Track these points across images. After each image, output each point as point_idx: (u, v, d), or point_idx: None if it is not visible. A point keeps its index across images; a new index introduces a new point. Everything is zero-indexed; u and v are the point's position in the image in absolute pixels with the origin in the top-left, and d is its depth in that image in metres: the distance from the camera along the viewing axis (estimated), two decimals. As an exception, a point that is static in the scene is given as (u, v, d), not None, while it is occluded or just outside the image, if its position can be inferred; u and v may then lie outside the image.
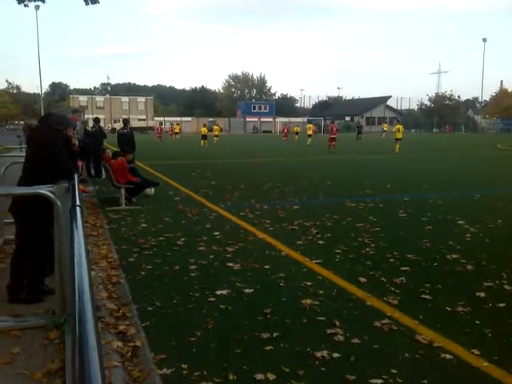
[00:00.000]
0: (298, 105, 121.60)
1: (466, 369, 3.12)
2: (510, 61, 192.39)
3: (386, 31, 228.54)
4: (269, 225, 7.31)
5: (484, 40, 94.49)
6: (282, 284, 4.72)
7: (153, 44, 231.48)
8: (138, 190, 9.38)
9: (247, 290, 4.51)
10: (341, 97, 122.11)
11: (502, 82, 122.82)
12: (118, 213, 8.30)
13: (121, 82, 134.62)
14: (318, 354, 3.28)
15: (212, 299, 4.30)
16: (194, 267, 5.22)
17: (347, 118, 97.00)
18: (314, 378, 3.02)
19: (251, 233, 6.82)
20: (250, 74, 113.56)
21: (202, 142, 34.53)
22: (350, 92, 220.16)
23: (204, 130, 35.91)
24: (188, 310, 4.07)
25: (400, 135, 27.67)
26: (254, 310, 4.06)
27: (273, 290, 4.57)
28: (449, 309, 4.07)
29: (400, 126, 28.73)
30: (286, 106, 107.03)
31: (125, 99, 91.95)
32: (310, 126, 39.35)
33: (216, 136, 41.11)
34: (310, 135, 36.54)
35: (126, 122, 14.82)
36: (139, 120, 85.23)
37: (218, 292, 4.45)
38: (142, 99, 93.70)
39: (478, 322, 3.80)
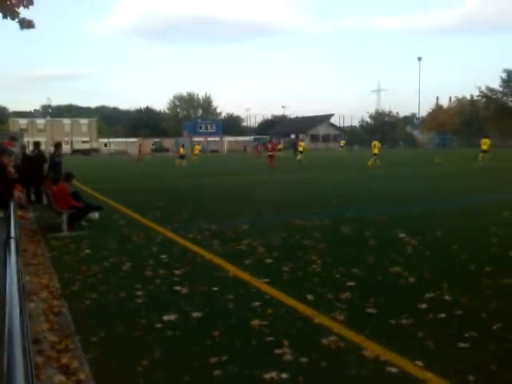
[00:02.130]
0: (244, 124, 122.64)
1: (410, 381, 3.19)
2: (444, 78, 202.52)
3: (326, 51, 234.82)
4: (217, 246, 7.28)
5: (419, 59, 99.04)
6: (230, 306, 4.69)
7: (95, 65, 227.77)
8: (81, 215, 9.13)
9: (195, 314, 4.46)
10: (286, 115, 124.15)
11: (437, 98, 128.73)
12: (59, 240, 8.03)
13: (63, 104, 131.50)
14: (267, 376, 3.27)
15: (159, 325, 4.22)
16: (140, 293, 5.11)
17: (292, 136, 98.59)
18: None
19: (199, 255, 6.77)
20: (196, 94, 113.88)
21: (178, 161, 35.47)
22: (294, 111, 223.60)
23: (182, 150, 37.21)
24: (134, 339, 3.97)
25: (376, 150, 29.75)
26: (202, 334, 4.02)
27: (221, 312, 4.54)
28: (393, 322, 4.17)
29: (376, 142, 30.84)
30: (232, 125, 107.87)
31: (67, 121, 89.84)
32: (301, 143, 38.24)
33: (195, 155, 44.15)
34: (301, 152, 35.16)
35: (57, 145, 14.43)
36: (83, 142, 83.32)
37: (166, 318, 4.37)
38: (84, 121, 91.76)
39: (420, 334, 3.91)
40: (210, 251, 6.93)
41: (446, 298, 4.76)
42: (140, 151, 49.54)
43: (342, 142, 48.00)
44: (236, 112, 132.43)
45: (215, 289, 5.20)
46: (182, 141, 64.83)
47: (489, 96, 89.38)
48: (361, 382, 3.21)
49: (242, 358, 3.58)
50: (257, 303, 4.70)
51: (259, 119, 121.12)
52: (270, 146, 32.23)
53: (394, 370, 3.32)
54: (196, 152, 45.29)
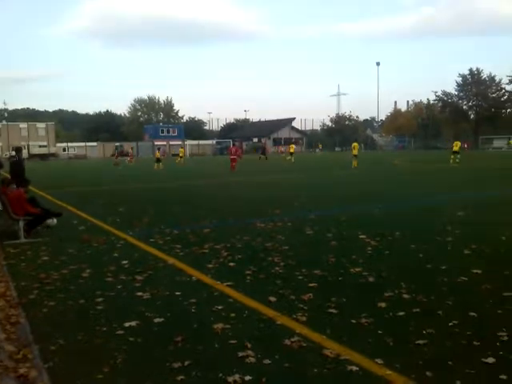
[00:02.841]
0: (206, 127, 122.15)
1: (370, 379, 3.26)
2: (402, 82, 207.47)
3: (287, 56, 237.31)
4: (179, 250, 7.23)
5: (377, 64, 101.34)
6: (193, 310, 4.67)
7: (53, 68, 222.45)
8: (39, 221, 8.90)
9: (157, 320, 4.42)
10: (248, 119, 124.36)
11: (395, 102, 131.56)
12: (16, 247, 7.81)
13: (19, 108, 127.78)
14: (230, 379, 3.27)
15: (120, 332, 4.16)
16: (100, 299, 5.02)
17: (255, 140, 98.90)
18: (226, 404, 3.01)
19: (161, 259, 6.71)
20: (157, 97, 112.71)
21: (156, 165, 35.76)
22: (256, 114, 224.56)
23: (158, 154, 38.07)
24: (94, 347, 3.90)
25: (355, 152, 31.57)
26: (164, 339, 3.98)
27: (184, 316, 4.52)
28: (353, 321, 4.24)
29: (356, 144, 33.00)
30: (194, 129, 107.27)
31: (23, 125, 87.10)
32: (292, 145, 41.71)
33: (181, 157, 47.08)
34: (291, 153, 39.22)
35: (18, 149, 13.81)
36: (40, 147, 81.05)
37: (127, 324, 4.31)
38: (42, 125, 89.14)
39: (380, 332, 3.99)
40: (172, 255, 6.88)
41: (405, 296, 4.88)
42: (116, 155, 49.94)
43: (292, 147, 49.72)
44: (198, 116, 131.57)
45: (177, 293, 5.17)
46: (156, 145, 65.22)
47: (444, 100, 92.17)
48: (322, 381, 3.25)
49: (205, 362, 3.57)
50: (220, 307, 4.70)
51: (222, 123, 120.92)
52: (232, 149, 32.65)
53: (354, 368, 3.38)
54: (181, 155, 48.56)
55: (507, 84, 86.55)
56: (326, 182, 20.85)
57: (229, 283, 5.45)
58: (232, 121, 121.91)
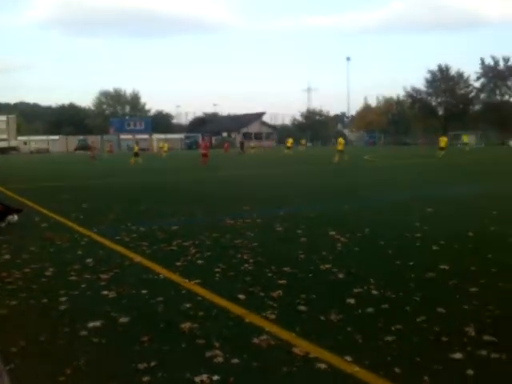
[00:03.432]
0: (174, 121, 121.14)
1: (339, 376, 3.23)
2: (372, 78, 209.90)
3: (257, 49, 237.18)
4: (146, 247, 7.09)
5: (348, 59, 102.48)
6: (160, 309, 4.57)
7: (14, 59, 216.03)
8: None
9: (123, 319, 4.30)
10: (217, 113, 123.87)
11: (365, 98, 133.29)
12: (-24, 245, 7.52)
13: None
14: (198, 379, 3.20)
15: (84, 333, 4.02)
16: (63, 299, 4.86)
17: (224, 134, 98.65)
18: (193, 405, 2.94)
19: (127, 257, 6.56)
20: (123, 90, 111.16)
21: (133, 159, 35.13)
22: (226, 108, 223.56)
23: (136, 148, 37.57)
24: (57, 348, 3.77)
25: (340, 147, 32.22)
26: (129, 339, 3.87)
27: (150, 316, 4.41)
28: (323, 318, 4.22)
29: (341, 139, 33.53)
30: (162, 122, 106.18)
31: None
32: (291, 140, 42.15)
33: (165, 152, 49.44)
34: (289, 147, 39.14)
35: None
36: (0, 140, 78.85)
37: (91, 324, 4.18)
38: (2, 118, 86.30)
39: (349, 329, 3.98)
40: (138, 253, 6.74)
41: (374, 292, 4.89)
42: (92, 149, 49.72)
43: (290, 141, 50.59)
44: (166, 109, 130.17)
45: (144, 292, 5.05)
46: (122, 139, 64.74)
47: (414, 96, 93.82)
48: (291, 379, 3.21)
49: (171, 362, 3.49)
50: (188, 305, 4.61)
51: (190, 117, 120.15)
52: (203, 144, 32.89)
53: (323, 366, 3.35)
54: (165, 149, 50.45)
55: (475, 81, 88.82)
56: (297, 177, 20.90)
57: (197, 281, 5.36)
58: (201, 115, 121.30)
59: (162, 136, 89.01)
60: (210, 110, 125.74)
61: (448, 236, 7.42)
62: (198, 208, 11.25)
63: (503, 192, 13.85)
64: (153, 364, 3.43)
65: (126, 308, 4.59)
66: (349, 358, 3.45)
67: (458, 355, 3.44)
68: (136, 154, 35.99)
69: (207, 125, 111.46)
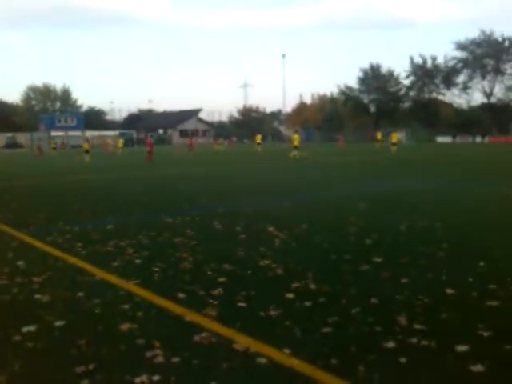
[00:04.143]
0: (108, 118, 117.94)
1: (278, 369, 3.30)
2: (307, 76, 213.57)
3: (192, 45, 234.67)
4: (80, 248, 6.90)
5: (283, 55, 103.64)
6: (97, 311, 4.47)
7: None
8: None
9: (58, 323, 4.17)
10: (152, 109, 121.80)
11: (301, 95, 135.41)
12: None
13: None
14: (138, 380, 3.17)
15: (17, 338, 3.88)
16: (-6, 305, 4.65)
17: (160, 131, 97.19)
18: (134, 407, 2.92)
19: (60, 259, 6.35)
20: (53, 85, 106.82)
21: (82, 157, 35.23)
22: (161, 105, 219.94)
23: (86, 146, 37.37)
24: (-12, 355, 3.61)
25: (296, 143, 33.02)
26: (66, 343, 3.77)
27: (87, 319, 4.31)
28: (262, 314, 4.29)
29: (297, 136, 34.25)
30: (94, 119, 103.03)
31: None
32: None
33: (120, 148, 51.90)
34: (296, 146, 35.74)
35: None
36: None
37: (25, 329, 4.03)
38: None
39: (288, 323, 4.07)
40: (72, 254, 6.54)
41: (311, 286, 5.01)
42: (39, 146, 49.07)
43: (259, 137, 50.99)
44: (98, 105, 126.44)
45: (80, 294, 4.92)
46: (52, 136, 63.07)
47: (347, 93, 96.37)
48: (232, 375, 3.25)
49: (111, 364, 3.43)
50: (126, 306, 4.54)
51: (124, 113, 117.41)
52: (148, 141, 33.71)
53: (263, 360, 3.41)
54: (120, 145, 52.75)
55: (404, 79, 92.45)
56: (237, 174, 20.95)
57: (136, 281, 5.29)
58: (135, 111, 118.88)
59: (96, 133, 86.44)
60: (144, 106, 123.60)
61: (381, 231, 7.72)
62: (135, 206, 11.06)
63: (433, 187, 14.57)
64: (91, 367, 3.36)
65: (61, 311, 4.45)
66: (288, 352, 3.53)
67: (390, 344, 3.61)
68: (87, 151, 35.98)
69: (142, 121, 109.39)
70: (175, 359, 3.46)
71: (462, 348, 3.50)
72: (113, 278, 5.46)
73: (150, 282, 5.27)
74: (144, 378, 3.20)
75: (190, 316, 4.27)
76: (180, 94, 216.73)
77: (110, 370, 3.35)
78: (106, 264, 6.00)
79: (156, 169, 25.04)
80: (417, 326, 3.91)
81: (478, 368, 3.22)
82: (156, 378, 3.20)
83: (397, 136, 41.56)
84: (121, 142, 54.20)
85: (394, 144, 40.08)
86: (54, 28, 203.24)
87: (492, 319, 4.06)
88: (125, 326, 4.05)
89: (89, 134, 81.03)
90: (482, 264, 5.70)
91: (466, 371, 3.20)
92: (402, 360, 3.37)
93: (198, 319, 4.21)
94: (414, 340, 3.66)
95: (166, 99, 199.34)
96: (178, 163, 31.32)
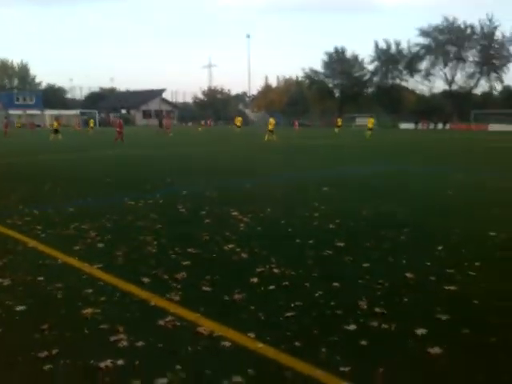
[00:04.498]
0: (68, 96, 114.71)
1: (242, 353, 3.35)
2: (273, 58, 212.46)
3: (155, 23, 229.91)
4: (41, 231, 6.75)
5: (248, 36, 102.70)
6: (59, 295, 4.41)
7: None
8: None
9: (19, 308, 4.09)
10: (114, 88, 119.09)
11: (266, 77, 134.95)
12: None
13: None
14: (102, 365, 3.16)
15: (-24, 323, 3.79)
16: (-50, 289, 4.52)
17: (123, 111, 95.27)
18: (98, 391, 2.92)
19: (20, 242, 6.21)
20: (10, 61, 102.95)
21: (53, 136, 34.22)
22: (123, 84, 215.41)
23: (55, 124, 36.19)
24: None
25: (271, 127, 33.43)
26: (28, 328, 3.71)
27: (49, 303, 4.24)
28: (227, 298, 4.32)
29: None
30: (54, 97, 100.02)
31: None
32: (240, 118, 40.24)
33: (91, 128, 52.99)
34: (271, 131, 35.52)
35: None
36: None
37: (-16, 314, 3.94)
38: None
39: (252, 307, 4.12)
40: (33, 238, 6.40)
41: (275, 270, 5.07)
42: (6, 125, 47.01)
43: (239, 120, 50.92)
44: (58, 83, 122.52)
45: (41, 278, 4.83)
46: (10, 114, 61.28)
47: (312, 77, 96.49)
48: (197, 358, 3.27)
49: (74, 349, 3.40)
50: (89, 290, 4.49)
51: (85, 92, 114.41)
52: (118, 121, 33.03)
53: (227, 344, 3.45)
54: (91, 125, 54.15)
55: (369, 64, 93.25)
56: (201, 156, 20.82)
57: (99, 265, 5.22)
58: (97, 90, 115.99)
59: (56, 112, 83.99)
60: (106, 84, 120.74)
61: (343, 215, 7.85)
62: (97, 189, 10.87)
63: (396, 173, 14.88)
64: (54, 352, 3.32)
65: (22, 296, 4.37)
66: (252, 335, 3.58)
67: (352, 327, 3.71)
68: (56, 131, 35.06)
69: (104, 100, 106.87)
70: (139, 343, 3.46)
71: (420, 331, 3.63)
72: (75, 262, 5.38)
73: (113, 266, 5.22)
74: (108, 362, 3.19)
75: (155, 300, 4.27)
76: (143, 72, 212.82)
77: (74, 354, 3.32)
78: (68, 248, 5.90)
79: (122, 149, 24.60)
80: (377, 310, 4.02)
81: (435, 350, 3.35)
82: (120, 362, 3.20)
83: (372, 121, 42.66)
84: (92, 122, 55.74)
85: (369, 129, 40.95)
86: (12, 2, 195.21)
87: (450, 303, 4.22)
88: (88, 311, 4.01)
89: (48, 113, 78.78)
90: (440, 248, 5.89)
91: (425, 353, 3.33)
92: (363, 342, 3.46)
93: (163, 303, 4.21)
94: (375, 323, 3.77)
95: (128, 78, 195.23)
96: (154, 145, 30.85)
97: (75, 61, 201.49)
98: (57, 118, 44.19)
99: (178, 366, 3.15)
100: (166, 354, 3.34)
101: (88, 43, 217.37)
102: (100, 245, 6.08)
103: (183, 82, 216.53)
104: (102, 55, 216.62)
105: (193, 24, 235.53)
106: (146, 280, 4.77)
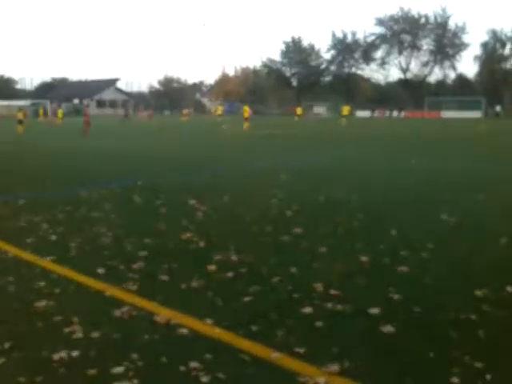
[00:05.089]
0: (18, 86, 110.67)
1: (200, 339, 3.36)
2: (230, 47, 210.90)
3: (109, 10, 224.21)
4: (-9, 224, 6.54)
5: (203, 25, 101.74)
6: (11, 289, 4.29)
7: None
8: None
9: (-32, 303, 3.96)
10: (67, 78, 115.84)
11: (223, 67, 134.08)
12: None
13: None
14: (56, 357, 3.10)
15: None
16: None
17: (76, 101, 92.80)
18: (53, 381, 2.87)
19: (-31, 236, 5.99)
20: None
21: (19, 127, 31.45)
22: (76, 73, 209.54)
23: (20, 115, 32.85)
24: None
25: (246, 115, 34.17)
26: (-23, 323, 3.60)
27: (1, 297, 4.13)
28: (184, 286, 4.31)
29: (246, 107, 35.79)
30: (3, 87, 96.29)
31: None
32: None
33: (60, 118, 49.87)
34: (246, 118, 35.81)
35: None
36: None
37: None
38: None
39: (209, 294, 4.13)
40: (-17, 231, 6.19)
41: (233, 258, 5.09)
42: None
43: (220, 109, 49.96)
44: (7, 73, 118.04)
45: (-9, 272, 4.69)
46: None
47: (269, 66, 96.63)
48: (154, 346, 3.26)
49: (27, 342, 3.33)
50: (42, 283, 4.39)
51: (36, 82, 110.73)
52: (85, 111, 32.23)
53: (184, 330, 3.45)
54: (61, 115, 51.63)
55: (325, 53, 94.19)
56: (160, 148, 20.55)
57: (52, 258, 5.10)
58: (48, 79, 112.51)
59: (6, 103, 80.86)
60: (58, 74, 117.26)
61: (300, 202, 7.94)
62: (48, 180, 10.57)
63: (348, 158, 15.15)
64: (7, 346, 3.25)
65: (-29, 290, 4.23)
66: (209, 321, 3.60)
67: (308, 309, 3.78)
68: (20, 122, 32.51)
69: (56, 90, 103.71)
70: (95, 334, 3.42)
71: (373, 311, 3.74)
72: (27, 255, 5.23)
73: (67, 259, 5.11)
74: (63, 353, 3.13)
75: (110, 291, 4.21)
76: (96, 61, 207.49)
77: (27, 347, 3.25)
78: (19, 240, 5.73)
79: (85, 140, 23.99)
80: (332, 292, 4.11)
81: (388, 329, 3.46)
82: (75, 353, 3.15)
83: (347, 109, 43.60)
84: (61, 112, 53.35)
85: (343, 116, 41.85)
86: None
87: (402, 283, 4.36)
88: (41, 304, 3.92)
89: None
90: (393, 233, 6.06)
91: (378, 332, 3.43)
92: (319, 324, 3.54)
93: (119, 294, 4.16)
94: (330, 305, 3.86)
95: (81, 68, 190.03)
96: (96, 136, 30.18)
97: (26, 50, 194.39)
98: (21, 108, 42.00)
99: (135, 355, 3.12)
100: (122, 343, 3.32)
101: (37, 31, 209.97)
102: (53, 237, 5.94)
103: (139, 71, 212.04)
104: (53, 44, 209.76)
105: (149, 13, 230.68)
106: (101, 271, 4.70)
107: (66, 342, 3.31)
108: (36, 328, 3.55)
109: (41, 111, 53.35)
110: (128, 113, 49.66)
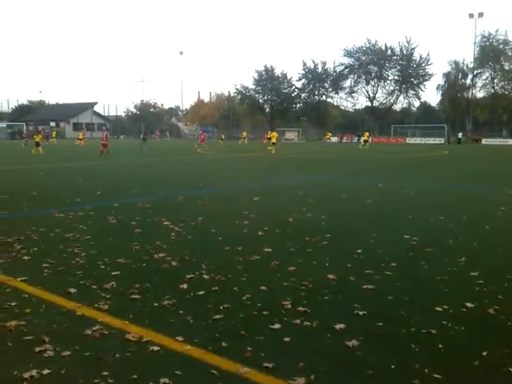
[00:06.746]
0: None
1: (171, 356, 3.43)
2: (205, 73, 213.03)
3: (86, 34, 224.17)
4: (-38, 246, 6.48)
5: (181, 53, 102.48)
6: (-19, 309, 4.29)
7: None
8: None
9: None
10: (44, 101, 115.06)
11: (199, 92, 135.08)
12: None
13: None
14: (27, 375, 3.13)
15: None
16: None
17: (52, 124, 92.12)
18: (22, 401, 2.90)
19: None
20: None
21: (35, 149, 33.03)
22: (53, 97, 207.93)
23: (38, 137, 35.06)
24: None
25: (274, 140, 35.49)
26: None
27: (-30, 317, 4.12)
28: (156, 304, 4.38)
29: (275, 133, 37.67)
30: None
31: None
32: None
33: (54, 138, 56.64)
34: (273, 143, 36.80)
35: None
36: None
37: None
38: None
39: (181, 312, 4.20)
40: (-47, 252, 6.14)
41: (205, 276, 5.18)
42: None
43: (244, 134, 52.19)
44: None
45: (-39, 293, 4.67)
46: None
47: (243, 93, 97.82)
48: (125, 363, 3.32)
49: (-4, 362, 3.35)
50: (13, 303, 4.40)
51: (13, 104, 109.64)
52: (105, 134, 32.52)
53: (156, 348, 3.52)
54: (54, 136, 58.50)
55: (297, 81, 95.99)
56: (134, 169, 20.53)
57: (24, 278, 5.11)
58: (25, 102, 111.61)
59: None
60: (35, 97, 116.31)
61: (271, 222, 8.08)
62: (24, 201, 10.50)
63: (321, 180, 15.40)
64: (-24, 365, 3.26)
65: None
66: (180, 338, 3.67)
67: (276, 325, 3.89)
68: (37, 144, 33.72)
69: (33, 113, 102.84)
70: (66, 352, 3.46)
71: (339, 326, 3.87)
72: (-2, 276, 5.22)
73: (39, 279, 5.12)
74: (33, 372, 3.17)
75: (82, 310, 4.25)
76: (74, 85, 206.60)
77: (-4, 367, 3.27)
78: (-9, 261, 5.71)
79: (51, 163, 23.80)
80: (300, 309, 4.23)
81: (353, 343, 3.59)
82: (46, 371, 3.19)
83: (367, 134, 45.61)
84: (54, 133, 59.22)
85: (365, 141, 44.61)
86: None
87: (367, 300, 4.50)
88: (12, 323, 3.94)
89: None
90: (359, 251, 6.23)
91: (343, 346, 3.56)
92: (286, 339, 3.65)
93: (90, 313, 4.20)
94: (298, 321, 3.98)
95: (59, 90, 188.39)
96: (67, 158, 29.97)
97: (2, 74, 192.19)
98: (39, 131, 43.82)
99: (106, 372, 3.18)
100: (93, 361, 3.36)
101: (16, 53, 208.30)
102: (25, 257, 5.93)
103: (117, 96, 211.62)
104: (30, 68, 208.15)
105: (126, 39, 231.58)
106: (72, 290, 4.73)
107: (36, 360, 3.35)
108: (6, 347, 3.56)
109: (53, 133, 60.36)
110: (146, 136, 46.95)
